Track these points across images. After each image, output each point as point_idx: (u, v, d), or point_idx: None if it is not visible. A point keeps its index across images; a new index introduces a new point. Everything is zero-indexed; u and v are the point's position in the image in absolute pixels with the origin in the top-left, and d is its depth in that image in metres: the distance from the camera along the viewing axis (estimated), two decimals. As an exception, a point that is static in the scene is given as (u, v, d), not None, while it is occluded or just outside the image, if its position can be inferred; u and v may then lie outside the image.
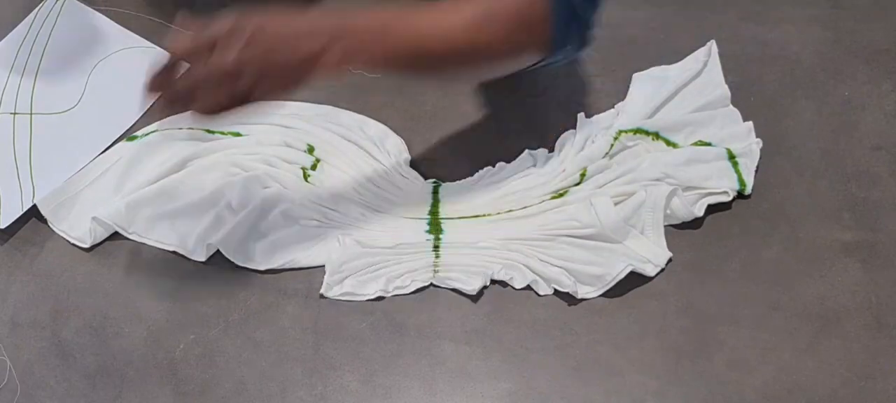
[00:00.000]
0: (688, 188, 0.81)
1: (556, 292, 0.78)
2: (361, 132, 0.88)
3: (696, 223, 0.81)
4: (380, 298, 0.78)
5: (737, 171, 0.82)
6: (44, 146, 0.90)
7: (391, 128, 0.88)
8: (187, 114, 0.82)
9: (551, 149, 0.86)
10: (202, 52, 0.67)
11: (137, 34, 0.96)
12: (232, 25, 0.67)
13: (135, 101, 0.92)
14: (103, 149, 0.89)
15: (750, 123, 0.85)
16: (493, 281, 0.78)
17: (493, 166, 0.85)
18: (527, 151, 0.86)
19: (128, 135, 0.90)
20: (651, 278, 0.77)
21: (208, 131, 0.88)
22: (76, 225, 0.83)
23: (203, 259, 0.80)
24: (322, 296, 0.78)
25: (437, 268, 0.79)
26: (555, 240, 0.79)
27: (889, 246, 0.79)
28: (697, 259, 0.79)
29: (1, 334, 0.78)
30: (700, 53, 0.92)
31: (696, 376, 0.73)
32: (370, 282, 0.78)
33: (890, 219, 0.81)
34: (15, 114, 0.93)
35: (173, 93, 0.69)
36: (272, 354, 0.76)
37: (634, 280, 0.77)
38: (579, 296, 0.77)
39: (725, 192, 0.80)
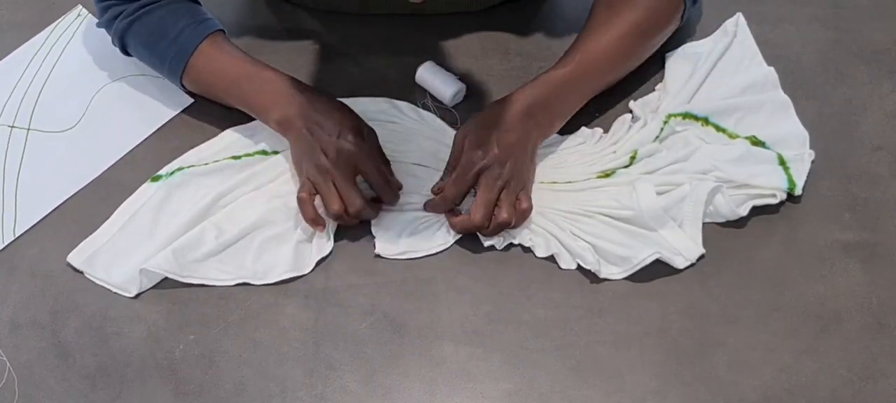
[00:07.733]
0: (736, 186, 0.80)
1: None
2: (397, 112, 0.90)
3: (696, 223, 0.81)
4: (442, 250, 0.80)
5: (787, 174, 0.81)
6: (34, 164, 0.88)
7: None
8: (211, 148, 0.87)
9: (606, 130, 0.87)
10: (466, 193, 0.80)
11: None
12: (467, 166, 0.78)
13: (132, 131, 0.90)
14: (90, 178, 0.86)
15: (805, 133, 0.84)
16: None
17: None
18: (583, 128, 0.87)
19: (123, 159, 0.88)
20: (648, 279, 0.77)
21: (234, 157, 0.86)
22: (114, 273, 0.80)
23: (272, 281, 0.79)
24: (378, 256, 0.80)
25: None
26: (590, 217, 0.80)
27: (889, 246, 0.79)
28: (698, 259, 0.79)
29: (1, 334, 0.78)
30: (728, 24, 0.92)
31: (696, 376, 0.73)
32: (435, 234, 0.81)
33: (890, 220, 0.81)
34: (13, 127, 0.91)
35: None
36: (272, 354, 0.76)
37: (634, 280, 0.78)
38: (602, 276, 0.77)
39: (773, 194, 0.80)
